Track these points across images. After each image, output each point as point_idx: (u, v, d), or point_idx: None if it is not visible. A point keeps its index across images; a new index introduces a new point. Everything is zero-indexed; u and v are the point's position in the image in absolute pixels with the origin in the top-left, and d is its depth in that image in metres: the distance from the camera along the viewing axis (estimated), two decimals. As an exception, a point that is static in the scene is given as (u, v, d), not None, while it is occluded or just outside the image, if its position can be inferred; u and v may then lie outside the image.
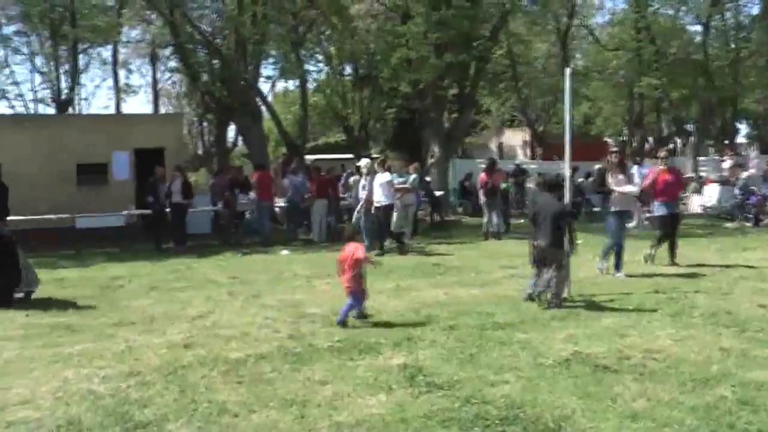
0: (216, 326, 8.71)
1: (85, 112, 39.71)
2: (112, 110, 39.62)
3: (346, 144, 37.89)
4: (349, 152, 34.38)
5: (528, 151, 48.56)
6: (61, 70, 32.60)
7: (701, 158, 34.34)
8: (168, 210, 17.72)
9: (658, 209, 13.11)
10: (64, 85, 32.90)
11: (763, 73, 35.77)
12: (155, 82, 42.50)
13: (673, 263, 12.70)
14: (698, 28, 37.53)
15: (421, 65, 24.29)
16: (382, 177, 16.00)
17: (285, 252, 16.36)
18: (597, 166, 24.98)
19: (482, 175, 19.28)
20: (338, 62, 35.69)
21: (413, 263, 14.06)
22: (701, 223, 20.90)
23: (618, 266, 11.83)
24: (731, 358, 6.87)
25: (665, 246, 12.98)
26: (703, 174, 29.07)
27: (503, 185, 20.93)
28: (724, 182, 23.87)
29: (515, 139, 53.48)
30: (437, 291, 10.79)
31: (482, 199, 18.92)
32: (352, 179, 19.55)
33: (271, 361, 7.03)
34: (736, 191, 21.96)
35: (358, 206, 16.78)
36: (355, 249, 8.70)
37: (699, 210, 24.10)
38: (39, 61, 35.41)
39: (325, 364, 6.91)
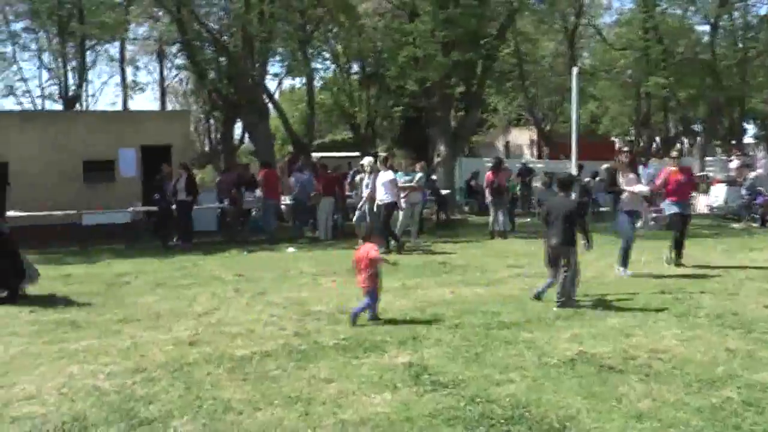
0: (222, 323, 8.72)
1: (92, 109, 39.81)
2: (119, 107, 39.71)
3: (353, 142, 37.89)
4: (355, 150, 34.38)
5: (534, 150, 48.49)
6: (69, 67, 32.70)
7: (708, 158, 34.26)
8: (174, 207, 17.74)
9: (669, 209, 12.95)
10: (71, 81, 33.00)
11: (770, 73, 35.71)
12: (162, 79, 42.59)
13: (679, 264, 12.65)
14: (706, 27, 37.45)
15: (428, 63, 24.27)
16: (385, 175, 15.99)
17: (291, 250, 16.37)
18: (605, 166, 24.98)
19: (488, 174, 19.26)
20: (345, 60, 35.69)
21: (419, 262, 14.06)
22: (708, 223, 20.83)
23: (624, 264, 11.81)
24: (737, 359, 6.85)
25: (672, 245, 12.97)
26: (710, 174, 28.98)
27: (507, 184, 20.90)
28: (731, 182, 23.80)
29: (522, 138, 53.42)
30: (443, 290, 10.79)
31: (488, 198, 18.90)
32: (358, 177, 19.54)
33: (276, 359, 7.03)
34: (743, 191, 21.88)
35: (360, 204, 16.81)
36: (370, 248, 8.70)
37: (705, 210, 24.03)
38: (47, 57, 35.56)
39: (331, 362, 6.91)
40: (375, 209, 16.21)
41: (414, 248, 16.28)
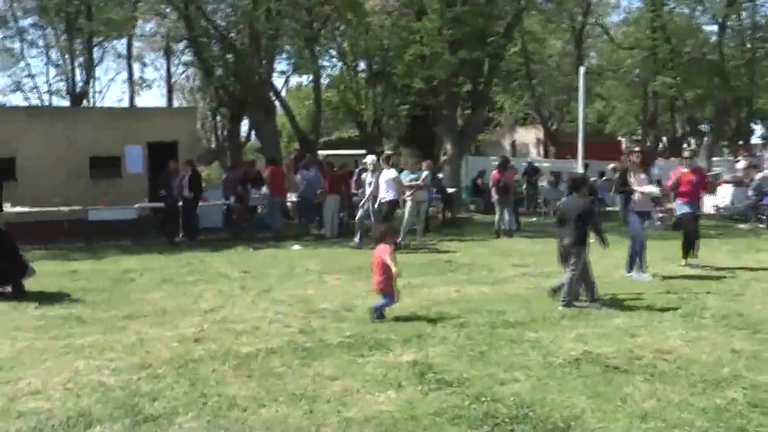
0: (227, 320, 8.73)
1: (99, 105, 39.89)
2: (125, 104, 39.80)
3: (359, 140, 37.89)
4: (362, 148, 34.39)
5: (541, 150, 48.44)
6: (76, 63, 32.77)
7: (715, 159, 34.18)
8: (180, 204, 17.76)
9: (680, 209, 12.83)
10: (78, 78, 33.07)
11: (779, 74, 35.61)
12: (169, 76, 42.59)
13: (686, 264, 12.61)
14: (714, 27, 37.35)
15: (435, 62, 24.26)
16: (388, 173, 15.98)
17: (297, 247, 16.37)
18: (611, 165, 24.95)
19: (494, 173, 19.26)
20: (352, 58, 35.68)
21: (424, 260, 14.06)
22: (714, 223, 20.77)
23: (630, 267, 11.78)
24: (742, 360, 6.84)
25: (680, 245, 12.91)
26: (721, 173, 28.89)
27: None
28: (737, 183, 23.74)
29: (528, 137, 53.37)
30: (448, 288, 10.78)
31: (494, 196, 18.89)
32: (364, 175, 19.55)
33: (281, 356, 7.04)
34: (750, 192, 21.82)
35: (362, 202, 16.82)
36: (382, 251, 8.73)
37: (712, 210, 23.97)
38: (54, 53, 35.63)
39: (335, 359, 6.92)
40: (377, 207, 16.21)
41: (419, 247, 16.28)
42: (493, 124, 47.98)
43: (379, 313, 8.64)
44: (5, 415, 5.57)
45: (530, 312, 8.94)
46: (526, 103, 42.74)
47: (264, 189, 19.53)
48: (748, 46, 35.84)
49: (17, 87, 38.14)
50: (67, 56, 33.20)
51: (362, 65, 37.64)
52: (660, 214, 17.81)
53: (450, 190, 23.21)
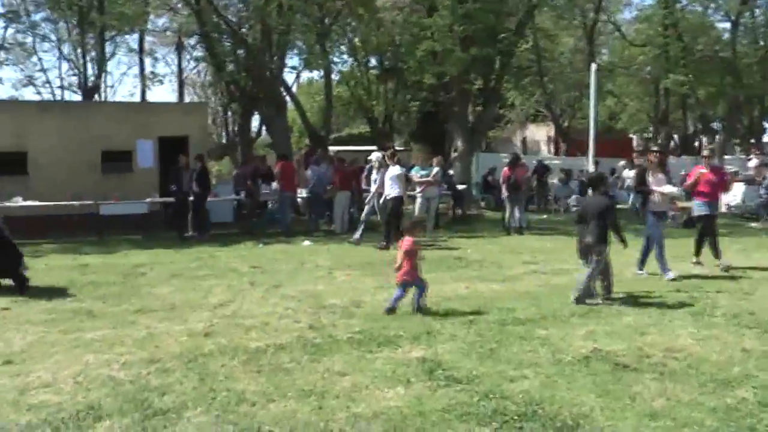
0: (237, 315, 8.75)
1: (110, 99, 40.00)
2: (137, 98, 39.86)
3: (370, 136, 37.87)
4: (372, 144, 34.37)
5: (552, 147, 48.33)
6: (88, 58, 32.84)
7: (727, 157, 34.05)
8: (191, 199, 17.80)
9: (699, 209, 12.58)
10: (90, 72, 33.14)
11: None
12: (180, 70, 42.65)
13: (698, 262, 12.52)
14: (727, 25, 37.22)
15: (447, 58, 24.22)
16: (393, 170, 15.96)
17: (307, 243, 16.38)
18: (621, 163, 24.90)
19: (505, 170, 19.24)
20: (363, 54, 35.65)
21: (434, 257, 14.02)
22: (725, 222, 20.67)
23: (642, 265, 11.71)
24: (753, 359, 6.81)
25: (687, 244, 12.83)
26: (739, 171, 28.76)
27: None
28: (749, 181, 23.61)
29: (539, 134, 53.23)
30: (458, 285, 10.78)
31: (504, 193, 18.86)
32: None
33: (290, 352, 7.05)
34: (762, 191, 21.70)
35: (368, 198, 16.81)
36: (406, 242, 8.87)
37: (723, 209, 23.85)
38: (66, 48, 35.73)
39: (345, 355, 6.93)
40: (382, 203, 16.21)
41: (430, 243, 16.27)
42: (504, 120, 47.88)
43: (393, 302, 8.76)
44: (16, 407, 5.59)
45: (540, 309, 8.93)
46: (538, 100, 42.64)
47: (274, 184, 19.56)
48: (761, 43, 35.73)
49: (29, 81, 38.32)
50: (79, 50, 33.26)
51: (373, 61, 37.59)
52: (671, 213, 17.73)
53: (460, 187, 23.18)
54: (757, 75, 35.12)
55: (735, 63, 34.47)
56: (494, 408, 5.49)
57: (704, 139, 46.10)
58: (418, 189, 17.56)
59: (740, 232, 18.52)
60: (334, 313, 8.79)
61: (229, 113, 43.72)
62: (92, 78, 32.99)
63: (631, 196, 21.53)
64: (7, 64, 37.22)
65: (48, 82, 38.88)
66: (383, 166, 16.44)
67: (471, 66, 24.49)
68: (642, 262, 11.73)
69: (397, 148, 39.18)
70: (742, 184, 23.77)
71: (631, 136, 49.87)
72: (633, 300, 9.54)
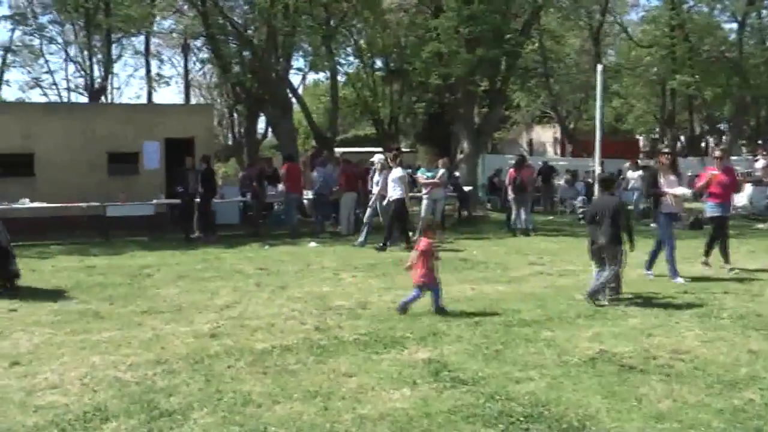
0: (243, 317, 8.76)
1: (117, 101, 40.09)
2: (143, 100, 39.97)
3: (376, 137, 37.90)
4: (378, 145, 34.40)
5: (558, 148, 48.32)
6: (95, 60, 32.94)
7: (734, 158, 33.96)
8: (197, 200, 17.83)
9: (711, 211, 12.40)
10: (97, 74, 33.23)
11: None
12: (186, 72, 42.76)
13: (705, 263, 12.43)
14: (734, 25, 37.17)
15: (452, 59, 24.22)
16: (395, 172, 15.93)
17: (313, 244, 16.39)
18: (626, 165, 24.83)
19: (511, 171, 19.22)
20: (369, 55, 35.68)
21: (440, 258, 14.02)
22: (732, 223, 20.59)
23: (650, 265, 11.64)
24: (760, 360, 6.79)
25: (693, 244, 12.75)
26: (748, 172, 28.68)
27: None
28: (756, 182, 23.54)
29: (545, 135, 53.23)
30: (464, 286, 10.77)
31: (510, 195, 18.83)
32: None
33: (296, 353, 7.06)
34: (769, 192, 21.65)
35: (371, 201, 16.79)
36: (422, 243, 8.97)
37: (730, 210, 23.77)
38: (73, 50, 35.87)
39: (350, 357, 6.93)
40: (386, 205, 16.20)
41: (436, 244, 16.21)
42: (510, 122, 47.90)
43: (403, 303, 8.80)
44: (23, 408, 5.61)
45: (546, 311, 8.92)
46: (544, 101, 42.65)
47: (280, 186, 19.57)
48: (768, 44, 35.64)
49: (36, 83, 38.47)
50: (85, 53, 33.40)
51: (379, 63, 37.66)
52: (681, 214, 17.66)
53: (466, 188, 23.17)
54: (763, 75, 35.04)
55: (742, 64, 34.41)
56: (500, 409, 5.49)
57: (711, 140, 46.06)
58: (424, 190, 17.55)
59: (747, 233, 18.45)
60: (340, 315, 8.80)
61: (235, 115, 43.85)
62: (99, 80, 33.11)
63: (635, 195, 21.47)
64: (14, 66, 37.43)
65: (54, 84, 39.10)
66: (386, 168, 16.42)
67: (477, 67, 24.49)
68: (650, 263, 11.67)
69: (403, 149, 39.24)
70: (749, 185, 23.70)
71: (637, 137, 49.86)
72: (639, 301, 9.52)
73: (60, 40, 36.33)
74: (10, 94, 44.96)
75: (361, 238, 16.13)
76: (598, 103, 10.16)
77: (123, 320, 8.62)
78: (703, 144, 45.42)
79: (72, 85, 38.47)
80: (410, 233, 16.45)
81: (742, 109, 37.23)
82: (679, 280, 11.09)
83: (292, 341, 7.49)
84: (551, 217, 23.73)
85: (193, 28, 29.54)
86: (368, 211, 16.84)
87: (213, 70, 38.61)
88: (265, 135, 40.68)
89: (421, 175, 17.95)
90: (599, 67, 10.23)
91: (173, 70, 48.51)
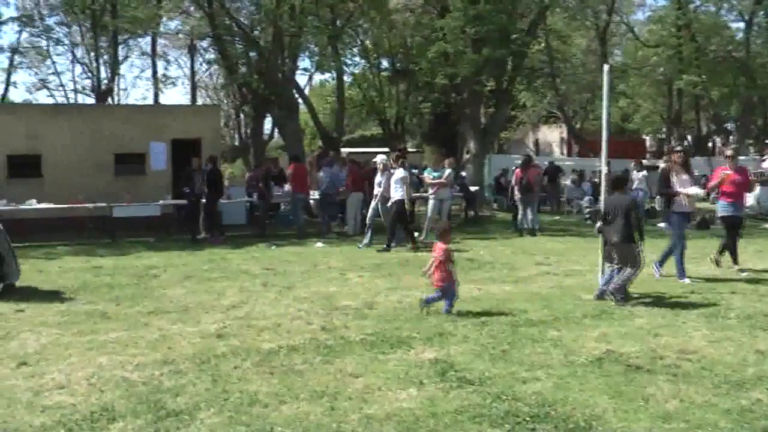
0: (249, 317, 8.77)
1: (123, 102, 40.19)
2: (150, 101, 40.04)
3: (382, 137, 37.91)
4: (385, 146, 34.41)
5: (564, 148, 48.28)
6: (101, 61, 33.03)
7: (741, 157, 33.87)
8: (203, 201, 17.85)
9: (723, 210, 12.30)
10: (103, 75, 33.33)
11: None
12: (193, 73, 42.82)
13: (718, 264, 12.31)
14: (740, 25, 37.08)
15: (458, 59, 24.22)
16: (398, 173, 15.90)
17: (319, 244, 16.40)
18: (632, 164, 24.79)
19: (517, 171, 19.21)
20: (375, 56, 35.68)
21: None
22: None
23: (662, 262, 11.55)
24: (767, 360, 6.78)
25: (702, 245, 12.70)
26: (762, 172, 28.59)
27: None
28: (763, 182, 23.48)
29: (552, 135, 53.20)
30: (470, 286, 10.75)
31: (517, 195, 18.81)
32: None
33: (303, 353, 7.06)
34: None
35: (373, 202, 16.76)
36: (440, 247, 8.96)
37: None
38: (80, 51, 35.95)
39: (357, 357, 6.93)
40: (389, 206, 16.19)
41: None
42: (516, 122, 47.88)
43: (426, 301, 8.84)
44: (30, 409, 5.62)
45: (552, 311, 8.91)
46: (550, 101, 42.62)
47: (287, 186, 19.58)
48: (775, 43, 35.55)
49: (43, 84, 38.58)
50: (92, 54, 33.48)
51: (385, 63, 37.63)
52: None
53: (473, 189, 23.17)
54: (770, 75, 34.99)
55: (749, 63, 34.33)
56: (507, 409, 5.49)
57: (718, 140, 45.95)
58: (431, 190, 17.56)
59: (755, 233, 18.40)
60: (346, 315, 8.80)
61: (242, 116, 43.86)
62: (105, 81, 33.20)
63: (640, 195, 21.44)
64: (21, 68, 37.54)
65: (61, 85, 39.21)
66: (387, 168, 16.40)
67: (483, 67, 24.49)
68: (661, 263, 11.59)
69: (410, 149, 39.26)
70: (756, 184, 23.63)
71: (644, 137, 49.76)
72: (647, 301, 9.50)
73: (67, 42, 36.42)
74: (18, 95, 45.11)
75: (365, 240, 16.12)
76: (605, 103, 10.13)
77: (130, 321, 8.64)
78: (709, 144, 45.31)
79: (79, 87, 38.64)
80: (416, 233, 16.48)
81: (749, 109, 37.16)
82: (686, 280, 11.06)
83: (298, 341, 7.50)
84: (558, 217, 23.72)
85: (200, 29, 29.58)
86: (370, 211, 16.83)
87: (219, 70, 38.61)
88: (271, 136, 40.68)
89: (428, 175, 17.95)
90: (606, 67, 10.20)
91: (180, 71, 48.84)
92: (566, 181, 26.72)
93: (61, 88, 39.19)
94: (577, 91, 43.06)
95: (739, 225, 12.47)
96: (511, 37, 24.49)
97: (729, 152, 13.18)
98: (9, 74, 36.62)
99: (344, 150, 30.89)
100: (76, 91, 38.86)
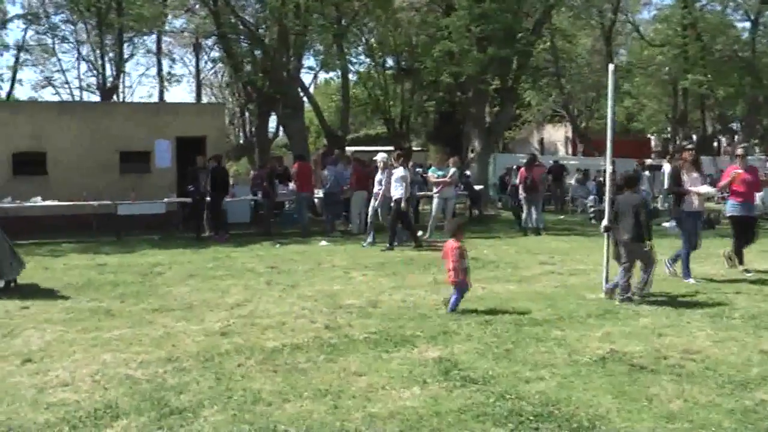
0: (253, 315, 8.77)
1: (128, 100, 40.25)
2: (155, 99, 40.12)
3: (387, 136, 37.91)
4: (389, 144, 34.40)
5: (569, 148, 48.22)
6: (107, 59, 33.07)
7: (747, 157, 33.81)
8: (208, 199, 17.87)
9: (732, 210, 12.09)
10: (108, 73, 33.38)
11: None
12: (198, 71, 42.87)
13: (731, 259, 11.99)
14: (746, 24, 37.00)
15: (463, 58, 24.20)
16: (398, 171, 15.88)
17: (324, 243, 16.40)
18: (635, 164, 24.80)
19: (522, 170, 19.18)
20: (380, 54, 35.68)
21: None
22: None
23: (675, 260, 11.48)
24: (772, 361, 6.77)
25: (710, 246, 12.63)
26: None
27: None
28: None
29: (557, 135, 53.14)
30: (474, 285, 10.71)
31: (522, 194, 18.78)
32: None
33: (306, 351, 7.06)
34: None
35: (373, 201, 16.74)
36: (453, 244, 9.00)
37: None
38: (85, 49, 36.02)
39: (361, 355, 6.93)
40: (392, 205, 16.19)
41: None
42: (521, 120, 47.83)
43: (451, 306, 8.82)
44: (34, 406, 5.63)
45: (556, 310, 8.90)
46: (555, 100, 42.56)
47: (291, 185, 19.59)
48: (782, 43, 35.47)
49: (48, 82, 38.66)
50: (97, 52, 33.53)
51: (390, 61, 37.64)
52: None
53: (477, 187, 23.15)
54: (777, 75, 34.90)
55: (754, 63, 34.26)
56: (510, 408, 5.48)
57: (723, 140, 45.84)
58: (435, 189, 17.55)
59: (760, 233, 18.29)
60: (350, 313, 8.80)
61: (247, 114, 43.90)
62: (110, 79, 33.24)
63: (642, 194, 21.43)
64: (27, 65, 37.62)
65: (67, 83, 39.29)
66: (388, 167, 16.37)
67: (488, 66, 24.45)
68: (675, 260, 11.52)
69: (414, 148, 39.24)
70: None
71: (649, 136, 49.67)
72: (651, 301, 9.48)
73: (72, 40, 36.49)
74: (23, 93, 45.24)
75: (369, 239, 16.11)
76: (610, 102, 10.11)
77: (134, 318, 8.65)
78: (715, 144, 45.22)
79: (84, 84, 38.75)
80: (420, 232, 16.47)
81: (754, 109, 37.07)
82: (691, 280, 11.03)
83: (302, 340, 7.50)
84: (562, 217, 23.70)
85: (205, 27, 29.60)
86: (369, 210, 16.83)
87: (224, 69, 38.70)
88: (276, 134, 40.70)
89: (432, 174, 17.94)
90: (611, 67, 10.18)
91: (185, 69, 48.89)
92: (571, 181, 26.71)
93: (66, 86, 39.31)
94: (582, 90, 43.00)
95: (753, 225, 12.32)
96: (517, 36, 24.44)
97: (739, 151, 12.98)
98: (14, 72, 36.73)
99: (349, 149, 30.87)
100: (81, 88, 38.98)
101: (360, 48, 34.18)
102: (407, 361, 6.74)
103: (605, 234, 10.00)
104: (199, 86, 43.31)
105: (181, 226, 18.82)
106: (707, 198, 11.87)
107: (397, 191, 15.63)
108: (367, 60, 35.91)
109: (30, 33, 35.85)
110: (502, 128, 32.13)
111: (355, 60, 33.92)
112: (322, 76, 43.55)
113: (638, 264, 9.51)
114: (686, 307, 9.05)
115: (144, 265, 13.00)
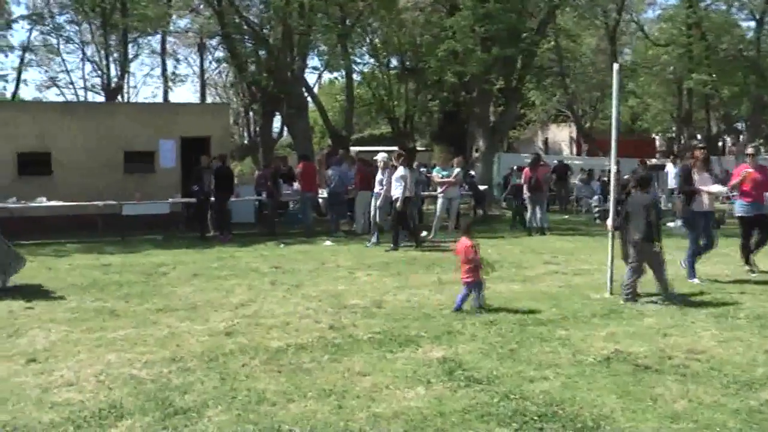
0: (257, 315, 8.78)
1: (133, 100, 40.31)
2: (159, 99, 40.15)
3: (391, 136, 37.90)
4: (394, 144, 34.39)
5: (574, 147, 48.17)
6: (111, 59, 33.13)
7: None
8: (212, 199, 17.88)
9: (740, 209, 11.99)
10: (113, 73, 33.43)
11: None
12: (202, 71, 42.92)
13: (753, 265, 11.97)
14: (751, 23, 36.93)
15: (468, 58, 24.19)
16: (399, 171, 15.86)
17: (328, 243, 16.41)
18: (637, 164, 24.72)
19: (526, 170, 19.16)
20: (384, 54, 35.68)
21: (455, 257, 14.00)
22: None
23: (692, 272, 11.24)
24: (776, 361, 6.76)
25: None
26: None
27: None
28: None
29: (561, 134, 53.09)
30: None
31: (526, 194, 18.76)
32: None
33: (311, 351, 7.07)
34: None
35: (375, 201, 16.71)
36: (466, 242, 9.10)
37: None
38: (90, 50, 36.09)
39: (365, 355, 6.93)
40: (393, 205, 16.17)
41: (452, 242, 16.20)
42: (526, 120, 47.81)
43: (478, 303, 8.86)
44: (39, 405, 5.64)
45: (561, 310, 8.90)
46: (560, 100, 42.52)
47: (296, 185, 19.59)
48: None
49: (53, 82, 38.74)
50: (102, 52, 33.59)
51: (394, 61, 37.62)
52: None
53: (482, 187, 23.13)
54: (782, 74, 34.83)
55: (759, 62, 34.20)
56: (514, 408, 5.48)
57: (728, 140, 45.76)
58: (440, 189, 17.53)
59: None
60: (354, 313, 8.80)
61: (251, 114, 43.94)
62: (115, 79, 33.30)
63: None
64: (32, 66, 37.70)
65: (71, 83, 39.37)
66: (389, 166, 16.34)
67: (492, 66, 24.46)
68: (691, 273, 11.41)
69: (419, 148, 39.23)
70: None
71: (653, 136, 49.59)
72: (655, 301, 9.46)
73: (77, 40, 36.59)
74: (28, 93, 45.35)
75: (373, 239, 16.11)
76: (615, 102, 10.10)
77: (138, 318, 8.66)
78: (720, 143, 45.14)
79: (88, 85, 38.80)
80: (425, 232, 16.47)
81: (759, 108, 36.97)
82: (696, 280, 11.00)
83: (306, 340, 7.51)
84: (566, 216, 23.68)
85: (209, 27, 29.65)
86: (372, 210, 16.81)
87: (229, 69, 38.72)
88: (280, 134, 40.72)
89: (437, 174, 17.93)
90: (615, 66, 10.17)
91: (189, 69, 48.95)
92: (575, 180, 26.68)
93: (71, 86, 39.40)
94: (587, 89, 42.96)
95: (766, 223, 12.09)
96: (521, 36, 24.45)
97: (750, 150, 12.81)
98: (19, 72, 36.84)
99: (353, 149, 30.86)
100: (85, 89, 39.06)
101: (364, 48, 34.17)
102: (411, 361, 6.74)
103: (615, 232, 9.98)
104: (203, 86, 43.38)
105: (182, 226, 18.85)
106: (715, 197, 11.80)
107: (396, 190, 15.62)
108: (372, 60, 35.93)
109: (35, 33, 36.02)
110: (507, 128, 32.10)
111: (359, 60, 33.93)
112: (327, 75, 43.66)
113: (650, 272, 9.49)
114: (691, 307, 9.04)
115: (148, 265, 13.02)
